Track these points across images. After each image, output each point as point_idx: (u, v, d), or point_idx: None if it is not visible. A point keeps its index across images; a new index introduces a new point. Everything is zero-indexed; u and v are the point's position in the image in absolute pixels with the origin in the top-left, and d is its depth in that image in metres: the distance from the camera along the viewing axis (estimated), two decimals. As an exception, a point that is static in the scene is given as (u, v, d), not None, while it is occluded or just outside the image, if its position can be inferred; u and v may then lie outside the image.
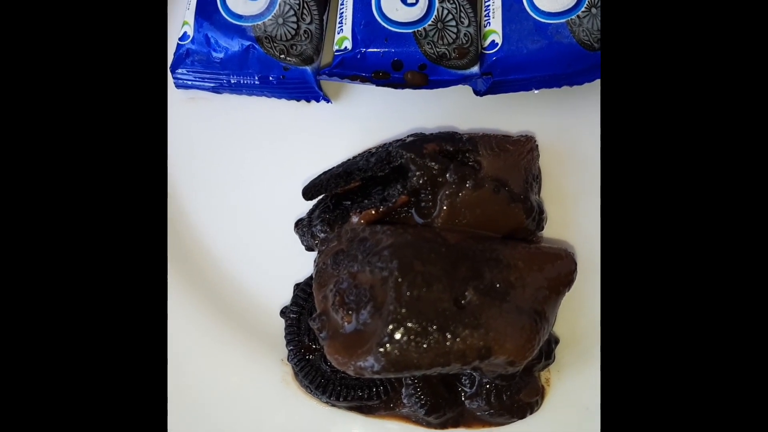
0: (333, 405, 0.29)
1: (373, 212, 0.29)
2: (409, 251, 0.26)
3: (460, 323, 0.25)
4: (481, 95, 0.32)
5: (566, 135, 0.33)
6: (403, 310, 0.25)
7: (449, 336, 0.24)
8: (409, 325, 0.24)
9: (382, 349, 0.24)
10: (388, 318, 0.25)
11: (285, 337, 0.30)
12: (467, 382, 0.29)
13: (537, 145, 0.31)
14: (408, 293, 0.25)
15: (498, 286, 0.26)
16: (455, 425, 0.29)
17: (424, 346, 0.24)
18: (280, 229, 0.33)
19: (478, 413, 0.29)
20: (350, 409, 0.29)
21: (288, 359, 0.30)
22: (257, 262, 0.32)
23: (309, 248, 0.31)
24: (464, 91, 0.33)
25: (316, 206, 0.31)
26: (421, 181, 0.28)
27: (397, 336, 0.24)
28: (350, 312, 0.26)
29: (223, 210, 0.33)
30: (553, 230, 0.32)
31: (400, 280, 0.25)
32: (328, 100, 0.34)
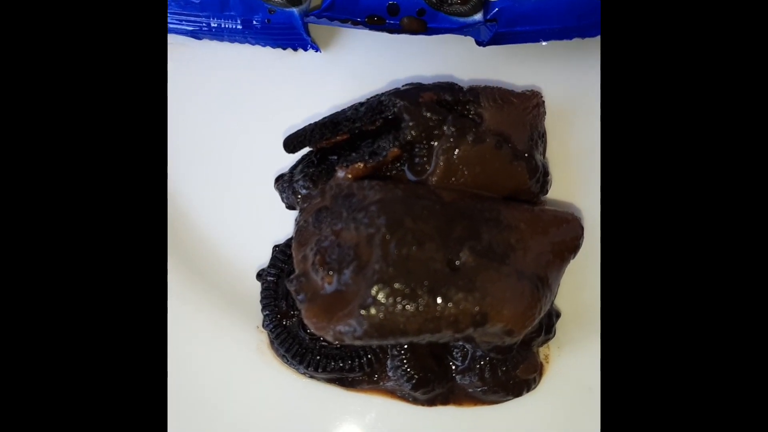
0: (311, 376, 0.27)
1: (362, 166, 0.26)
2: (400, 207, 0.24)
3: (453, 286, 0.22)
4: (484, 46, 0.30)
5: (575, 93, 0.31)
6: (390, 270, 0.22)
7: (441, 299, 0.22)
8: (396, 285, 0.22)
9: (364, 312, 0.22)
10: (373, 278, 0.22)
11: (261, 301, 0.27)
12: (459, 355, 0.26)
13: (543, 101, 0.28)
14: (396, 251, 0.22)
15: (497, 247, 0.23)
16: (444, 402, 0.26)
17: (412, 309, 0.22)
18: (260, 186, 0.30)
19: (470, 390, 0.26)
20: (330, 381, 0.27)
21: (263, 326, 0.27)
22: (234, 221, 0.30)
23: (290, 206, 0.28)
24: (465, 41, 0.30)
25: (299, 162, 0.29)
26: (415, 133, 0.25)
27: (382, 297, 0.22)
28: (331, 272, 0.23)
29: (199, 165, 0.30)
30: (557, 194, 0.30)
31: (387, 237, 0.23)
32: (316, 49, 0.31)
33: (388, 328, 0.22)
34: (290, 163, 0.29)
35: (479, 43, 0.30)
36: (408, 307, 0.22)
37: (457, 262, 0.22)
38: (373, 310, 0.22)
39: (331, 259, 0.24)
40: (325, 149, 0.28)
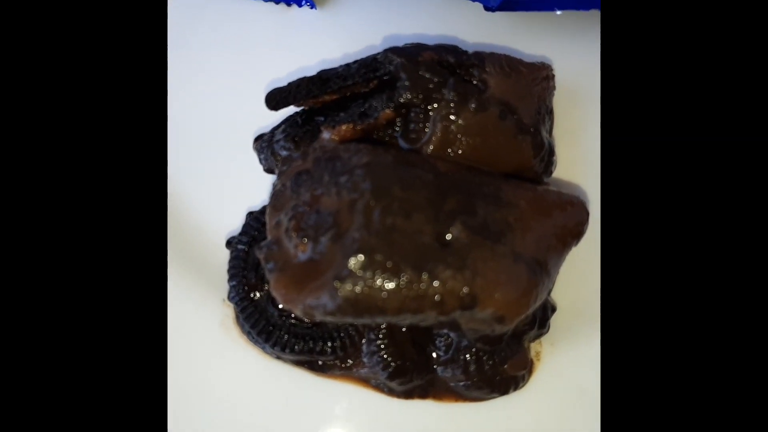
0: (278, 357, 0.24)
1: (350, 128, 0.23)
2: (388, 173, 0.21)
3: (441, 262, 0.19)
4: (493, 11, 0.27)
5: (588, 71, 0.28)
6: (372, 240, 0.19)
7: (426, 276, 0.19)
8: (377, 257, 0.19)
9: (339, 284, 0.19)
10: (352, 247, 0.19)
11: (228, 271, 0.25)
12: (442, 345, 0.24)
13: (554, 75, 0.26)
14: (380, 221, 0.20)
15: (493, 225, 0.21)
16: (423, 395, 0.24)
17: (393, 284, 0.19)
18: (238, 148, 0.27)
19: (452, 383, 0.24)
20: (298, 364, 0.24)
21: (229, 298, 0.25)
22: (206, 182, 0.27)
23: (269, 170, 0.25)
24: (473, 5, 0.28)
25: (282, 122, 0.26)
26: (411, 95, 0.23)
27: (360, 269, 0.19)
28: (306, 240, 0.21)
29: (174, 119, 0.28)
30: (561, 178, 0.27)
31: (372, 204, 0.20)
32: (312, 5, 0.28)
33: (364, 304, 0.19)
34: (272, 125, 0.27)
35: (488, 8, 0.27)
36: (388, 282, 0.19)
37: (448, 237, 0.20)
38: (348, 283, 0.19)
39: (307, 226, 0.21)
40: (312, 110, 0.26)
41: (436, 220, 0.20)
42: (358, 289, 0.19)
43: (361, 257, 0.19)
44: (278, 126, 0.26)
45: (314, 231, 0.21)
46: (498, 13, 0.27)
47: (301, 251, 0.21)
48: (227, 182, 0.27)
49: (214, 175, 0.27)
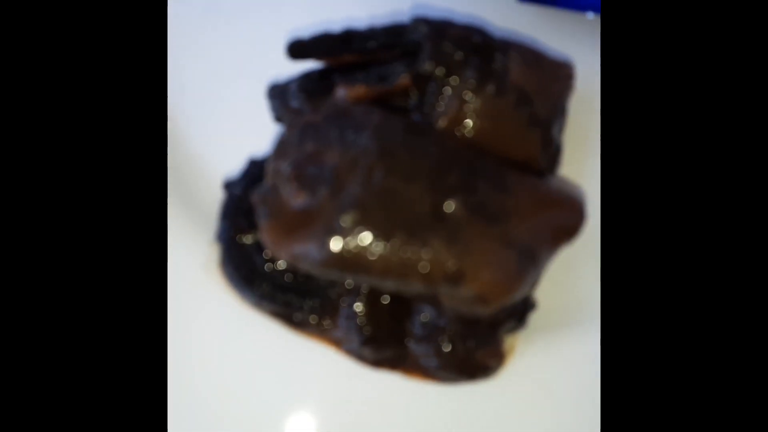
0: (257, 305, 0.24)
1: (365, 89, 0.23)
2: (396, 137, 0.21)
3: (434, 233, 0.19)
4: (522, 1, 0.27)
5: (609, 80, 0.28)
6: (369, 198, 0.19)
7: (417, 243, 0.19)
8: (371, 216, 0.19)
9: (329, 237, 0.19)
10: (348, 202, 0.19)
11: (220, 210, 0.24)
12: (420, 322, 0.24)
13: (574, 76, 0.26)
14: (380, 181, 0.20)
15: (490, 207, 0.21)
16: (392, 367, 0.24)
17: (383, 246, 0.19)
18: (250, 94, 0.27)
19: (423, 360, 0.23)
20: (275, 315, 0.24)
21: (217, 237, 0.24)
22: (212, 124, 0.27)
23: (278, 119, 0.25)
24: (508, -6, 0.27)
25: (300, 75, 0.26)
26: (432, 67, 0.23)
27: (352, 225, 0.19)
28: (304, 189, 0.20)
29: (188, 56, 0.27)
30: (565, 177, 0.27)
31: (375, 163, 0.20)
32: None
33: (350, 260, 0.19)
34: (288, 76, 0.26)
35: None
36: (378, 242, 0.19)
37: (445, 210, 0.20)
38: (338, 237, 0.19)
39: (306, 176, 0.21)
40: (331, 69, 0.26)
41: (435, 191, 0.20)
42: (346, 244, 0.19)
43: (355, 213, 0.19)
44: (295, 78, 0.26)
45: (313, 182, 0.20)
46: (528, 6, 0.27)
47: (296, 200, 0.20)
48: (234, 127, 0.27)
49: (223, 119, 0.27)
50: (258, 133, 0.27)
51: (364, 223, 0.19)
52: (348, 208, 0.19)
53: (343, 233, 0.19)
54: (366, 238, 0.19)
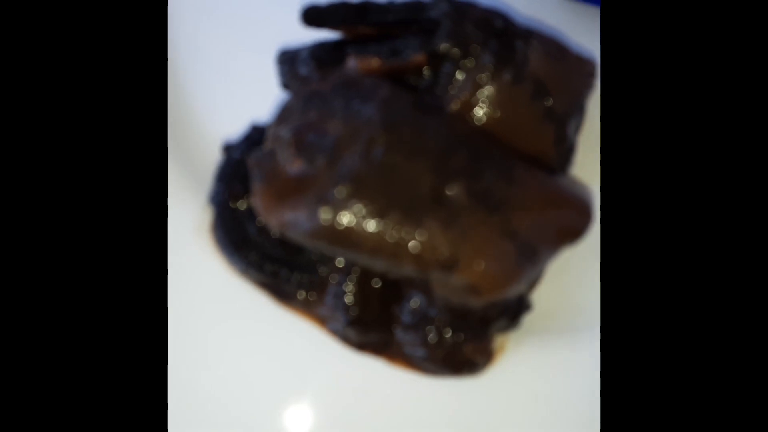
0: (243, 273, 0.23)
1: (377, 61, 0.22)
2: (404, 113, 0.20)
3: (432, 214, 0.18)
4: (555, -6, 0.26)
5: (632, 83, 0.27)
6: (368, 171, 0.18)
7: (413, 223, 0.18)
8: (368, 189, 0.18)
9: (320, 206, 0.18)
10: (346, 172, 0.18)
11: (216, 173, 0.23)
12: (409, 310, 0.23)
13: (597, 74, 0.25)
14: (381, 155, 0.19)
15: (495, 196, 0.20)
16: (376, 352, 0.23)
17: (376, 222, 0.18)
18: (263, 59, 0.26)
19: (408, 349, 0.23)
20: (262, 285, 0.23)
21: (210, 199, 0.23)
22: (219, 83, 0.26)
23: (285, 85, 0.24)
24: (537, -16, 0.26)
25: (313, 44, 0.25)
26: (449, 45, 0.22)
27: (348, 196, 0.18)
28: (302, 155, 0.19)
29: (202, 12, 0.27)
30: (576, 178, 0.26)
31: (377, 136, 0.19)
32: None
33: (341, 233, 0.18)
34: (299, 44, 0.25)
35: (551, -11, 0.26)
36: (372, 217, 0.18)
37: (447, 192, 0.19)
38: (331, 208, 0.18)
39: (306, 143, 0.20)
40: (345, 42, 0.25)
41: (438, 172, 0.19)
42: (338, 216, 0.18)
43: (350, 185, 0.18)
44: (307, 45, 0.25)
45: (312, 150, 0.19)
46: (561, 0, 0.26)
47: (292, 166, 0.19)
48: (241, 90, 0.26)
49: (230, 80, 0.26)
50: (265, 99, 0.26)
51: (358, 197, 0.18)
52: (344, 179, 0.18)
53: (336, 204, 0.18)
54: (359, 212, 0.18)
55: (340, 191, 0.18)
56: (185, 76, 0.26)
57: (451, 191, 0.19)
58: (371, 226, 0.18)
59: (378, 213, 0.18)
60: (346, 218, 0.18)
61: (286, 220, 0.18)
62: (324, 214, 0.18)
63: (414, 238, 0.18)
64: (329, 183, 0.18)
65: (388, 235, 0.18)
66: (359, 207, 0.18)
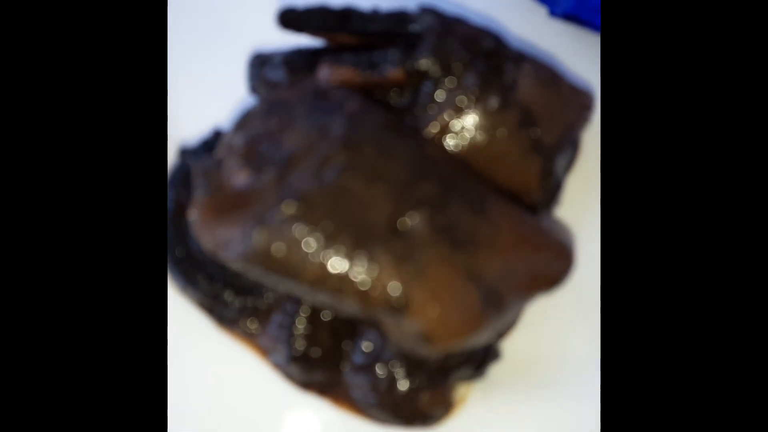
0: (182, 291, 0.21)
1: (352, 72, 0.20)
2: (370, 131, 0.18)
3: (385, 246, 0.16)
4: (555, 15, 0.24)
5: (632, 122, 0.25)
6: (317, 191, 0.16)
7: (362, 255, 0.16)
8: (314, 212, 0.16)
9: (259, 226, 0.15)
10: (292, 189, 0.16)
11: (168, 177, 0.21)
12: (362, 349, 0.20)
13: (593, 107, 0.22)
14: (336, 176, 0.16)
15: (460, 231, 0.17)
16: (320, 392, 0.20)
17: (319, 250, 0.15)
18: (235, 62, 0.24)
19: (355, 392, 0.20)
20: (201, 306, 0.21)
21: (156, 207, 0.21)
22: (186, 83, 0.24)
23: (253, 90, 0.22)
24: (534, 4, 0.24)
25: (288, 50, 0.23)
26: (430, 62, 0.19)
27: (290, 218, 0.15)
28: (250, 167, 0.17)
29: (177, 10, 0.25)
30: (560, 217, 0.24)
31: (335, 154, 0.17)
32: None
33: (277, 259, 0.15)
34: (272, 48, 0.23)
35: (552, 12, 0.24)
36: (315, 244, 0.15)
37: (405, 223, 0.16)
38: (269, 229, 0.15)
39: (257, 154, 0.17)
40: (324, 51, 0.23)
41: (398, 200, 0.17)
42: (275, 238, 0.15)
43: (295, 205, 0.15)
44: (282, 50, 0.23)
45: (262, 162, 0.17)
46: (561, 23, 0.24)
47: (237, 177, 0.17)
48: (209, 93, 0.24)
49: (198, 81, 0.24)
50: (235, 104, 0.24)
51: (303, 219, 0.15)
52: (290, 196, 0.16)
53: (276, 225, 0.15)
54: (301, 236, 0.15)
55: (283, 211, 0.15)
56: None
57: (412, 222, 0.16)
58: (312, 253, 0.15)
59: (323, 240, 0.15)
60: (284, 242, 0.15)
61: (218, 238, 0.16)
62: (260, 235, 0.15)
63: (362, 272, 0.16)
64: (274, 201, 0.16)
65: (331, 265, 0.15)
66: (302, 230, 0.15)
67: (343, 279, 0.15)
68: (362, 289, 0.15)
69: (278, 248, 0.15)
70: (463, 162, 0.20)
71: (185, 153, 0.22)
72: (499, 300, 0.17)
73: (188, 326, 0.22)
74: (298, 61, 0.21)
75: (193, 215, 0.17)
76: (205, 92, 0.23)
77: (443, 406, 0.21)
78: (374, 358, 0.20)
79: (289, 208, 0.15)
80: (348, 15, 0.21)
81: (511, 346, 0.23)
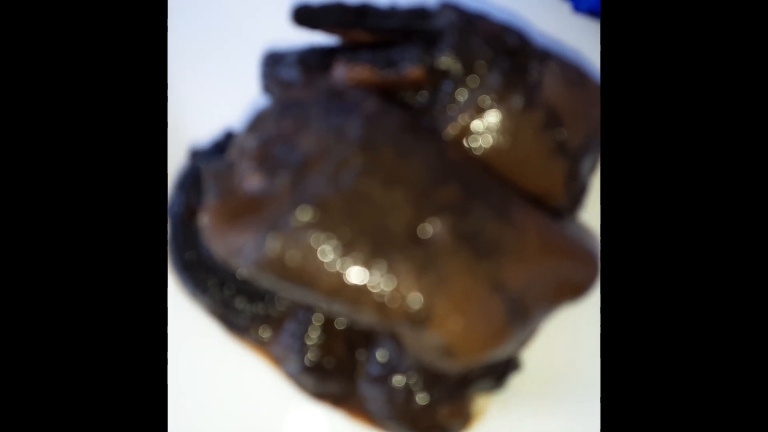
0: (192, 297, 0.20)
1: (369, 71, 0.19)
2: (389, 133, 0.17)
3: (405, 255, 0.15)
4: (579, 11, 0.23)
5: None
6: (334, 197, 0.15)
7: (380, 264, 0.15)
8: (331, 218, 0.15)
9: (272, 233, 0.15)
10: (308, 194, 0.15)
11: (176, 180, 0.20)
12: (378, 359, 0.19)
13: (621, 109, 0.21)
14: (354, 180, 0.15)
15: (485, 238, 0.16)
16: (334, 403, 0.19)
17: (336, 259, 0.15)
18: (249, 60, 0.23)
19: (370, 404, 0.19)
20: (212, 313, 0.20)
21: (168, 210, 0.20)
22: (198, 83, 0.23)
23: (266, 89, 0.21)
24: (558, 1, 0.23)
25: (303, 48, 0.22)
26: (452, 60, 0.19)
27: (305, 225, 0.15)
28: (264, 171, 0.16)
29: (187, 7, 0.24)
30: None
31: (352, 158, 0.16)
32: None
33: (292, 268, 0.15)
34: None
35: (576, 8, 0.23)
36: (332, 253, 0.15)
37: (427, 231, 0.15)
38: (284, 236, 0.15)
39: (271, 157, 0.17)
40: (340, 50, 0.22)
41: (419, 206, 0.16)
42: (290, 245, 0.14)
43: (311, 211, 0.15)
44: (297, 49, 0.22)
45: (276, 165, 0.16)
46: (583, 20, 0.23)
47: (250, 181, 0.16)
48: (221, 92, 0.23)
49: (210, 81, 0.23)
50: (247, 104, 0.23)
51: (319, 226, 0.15)
52: (305, 200, 0.15)
53: (290, 232, 0.15)
54: (316, 243, 0.15)
55: (298, 217, 0.15)
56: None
57: (433, 229, 0.15)
58: (329, 262, 0.14)
59: (340, 248, 0.15)
60: (299, 249, 0.14)
61: (230, 244, 0.15)
62: (274, 242, 0.14)
63: (380, 283, 0.15)
64: (288, 206, 0.15)
65: (348, 275, 0.15)
66: (318, 238, 0.14)
67: (360, 289, 0.15)
68: (380, 300, 0.15)
69: (292, 256, 0.14)
70: (484, 165, 0.19)
71: (196, 155, 0.21)
72: (525, 311, 0.16)
73: (197, 332, 0.21)
74: (313, 60, 0.20)
75: (204, 220, 0.16)
76: (216, 92, 0.23)
77: (462, 419, 0.20)
78: (390, 369, 0.19)
79: (304, 214, 0.15)
80: (365, 11, 0.20)
81: (531, 355, 0.22)
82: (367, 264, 0.15)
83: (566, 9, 0.23)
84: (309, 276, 0.14)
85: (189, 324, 0.21)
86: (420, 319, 0.15)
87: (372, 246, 0.15)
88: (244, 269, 0.15)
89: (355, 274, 0.15)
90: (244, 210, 0.15)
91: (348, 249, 0.15)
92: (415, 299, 0.15)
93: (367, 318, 0.15)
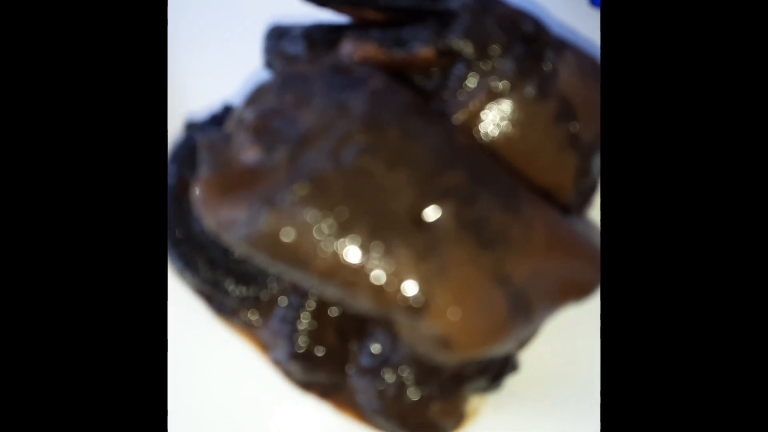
0: (180, 275, 0.19)
1: (377, 49, 0.18)
2: (395, 111, 0.16)
3: (405, 239, 0.14)
4: (595, 5, 0.22)
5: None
6: (333, 173, 0.14)
7: (379, 247, 0.14)
8: (329, 196, 0.14)
9: (267, 208, 0.14)
10: (306, 169, 0.14)
11: (171, 152, 0.20)
12: (370, 350, 0.18)
13: (636, 106, 0.21)
14: (355, 158, 0.15)
15: (489, 228, 0.15)
16: (322, 395, 0.18)
17: (332, 238, 0.14)
18: (251, 35, 0.22)
19: (360, 397, 0.18)
20: (198, 292, 0.19)
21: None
22: (199, 55, 0.22)
23: (269, 64, 0.20)
24: (579, -5, 0.22)
25: (310, 23, 0.21)
26: (465, 42, 0.18)
27: (302, 201, 0.14)
28: (261, 143, 0.15)
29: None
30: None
31: (355, 133, 0.15)
32: None
33: (285, 246, 0.14)
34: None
35: (592, 2, 0.22)
36: (328, 232, 0.14)
37: (429, 216, 0.15)
38: (279, 211, 0.14)
39: (269, 130, 0.16)
40: (347, 27, 0.21)
41: (423, 189, 0.15)
42: (284, 222, 0.13)
43: (308, 186, 0.14)
44: (302, 24, 0.21)
45: (274, 138, 0.15)
46: (598, 14, 0.22)
47: (246, 153, 0.15)
48: (223, 66, 0.22)
49: (212, 54, 0.22)
50: (248, 78, 0.22)
51: (316, 203, 0.14)
52: (303, 176, 0.14)
53: (286, 208, 0.14)
54: (313, 221, 0.14)
55: (295, 192, 0.14)
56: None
57: (436, 213, 0.15)
58: (325, 241, 0.14)
59: (337, 227, 0.14)
60: (294, 227, 0.14)
61: (222, 217, 0.14)
62: (268, 217, 0.13)
63: (377, 266, 0.14)
64: (285, 181, 0.14)
65: (344, 256, 0.14)
66: (314, 215, 0.14)
67: (356, 272, 0.14)
68: (377, 284, 0.14)
69: (287, 233, 0.13)
70: (493, 153, 0.18)
71: (192, 127, 0.20)
72: (527, 308, 0.16)
73: (185, 316, 0.20)
74: (319, 36, 0.20)
75: (197, 192, 0.15)
76: (216, 64, 0.22)
77: (454, 418, 0.19)
78: (383, 361, 0.18)
79: (301, 189, 0.14)
80: (377, -11, 0.19)
81: (528, 356, 0.21)
82: (365, 246, 0.14)
83: (583, 2, 0.22)
84: (303, 254, 0.13)
85: (184, 310, 0.20)
86: (417, 307, 0.14)
87: (371, 227, 0.14)
88: (235, 245, 0.14)
89: (352, 255, 0.14)
90: (238, 183, 0.15)
91: (345, 228, 0.14)
92: (413, 286, 0.14)
93: (361, 303, 0.14)
